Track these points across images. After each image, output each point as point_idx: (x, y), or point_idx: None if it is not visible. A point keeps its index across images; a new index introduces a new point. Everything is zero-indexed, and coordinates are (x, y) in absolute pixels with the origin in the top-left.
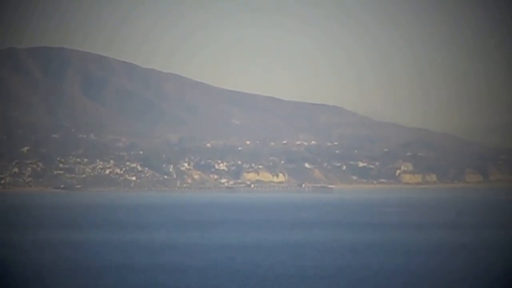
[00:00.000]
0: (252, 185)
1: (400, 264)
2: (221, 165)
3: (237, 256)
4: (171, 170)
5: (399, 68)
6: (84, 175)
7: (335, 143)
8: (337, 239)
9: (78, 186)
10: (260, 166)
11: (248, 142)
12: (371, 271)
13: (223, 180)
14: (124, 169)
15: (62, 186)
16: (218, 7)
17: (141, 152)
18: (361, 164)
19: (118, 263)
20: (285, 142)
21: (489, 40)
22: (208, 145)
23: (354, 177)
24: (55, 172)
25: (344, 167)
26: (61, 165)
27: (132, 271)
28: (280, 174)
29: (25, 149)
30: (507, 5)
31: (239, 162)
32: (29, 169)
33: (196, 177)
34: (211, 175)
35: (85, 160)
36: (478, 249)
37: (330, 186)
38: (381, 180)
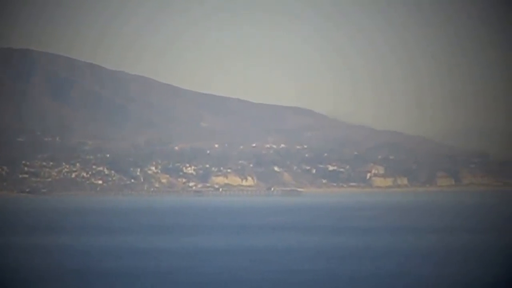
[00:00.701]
0: (221, 189)
1: (370, 269)
2: (189, 168)
3: (202, 260)
4: (138, 173)
5: (369, 71)
6: (50, 179)
7: (305, 146)
8: (305, 243)
9: (44, 190)
10: (228, 170)
11: (216, 145)
12: (340, 276)
13: (191, 184)
14: (90, 172)
15: (27, 190)
16: (185, 8)
17: (108, 156)
18: (331, 168)
19: (81, 267)
20: (254, 145)
21: (464, 43)
22: (176, 148)
23: (324, 181)
24: (20, 176)
25: (314, 171)
26: (26, 169)
27: (95, 276)
28: (249, 178)
29: None
30: (484, 10)
31: (207, 166)
32: None
33: (163, 180)
34: (179, 179)
35: (51, 163)
36: (450, 253)
37: (299, 189)
38: (352, 183)
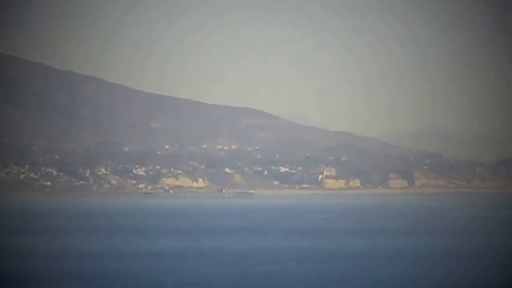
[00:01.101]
0: (171, 191)
1: (322, 270)
2: (139, 170)
3: (150, 263)
4: (87, 175)
5: (320, 71)
6: None
7: (256, 148)
8: (257, 246)
9: None
10: (179, 171)
11: (167, 147)
12: (291, 278)
13: (141, 186)
14: (39, 174)
15: None
16: (130, 7)
17: (57, 157)
18: (283, 169)
19: (27, 270)
20: (205, 146)
21: (416, 44)
22: (126, 149)
23: (276, 182)
24: None
25: (266, 172)
26: None
27: (35, 279)
28: (200, 179)
29: None
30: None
31: (158, 167)
32: None
33: (113, 182)
34: (129, 180)
35: None
36: (403, 255)
37: (251, 191)
38: (304, 185)
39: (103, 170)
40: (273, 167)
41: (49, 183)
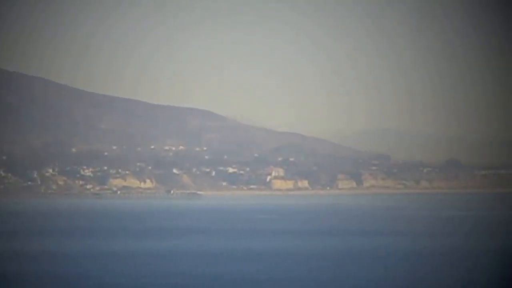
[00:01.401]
0: (119, 192)
1: (270, 271)
2: (87, 170)
3: (99, 264)
4: (35, 176)
5: (269, 71)
6: None
7: (204, 148)
8: (205, 246)
9: None
10: (127, 172)
11: (114, 147)
12: (241, 278)
13: (88, 186)
14: None
15: None
16: (82, 6)
17: (4, 158)
18: (231, 170)
19: None
20: (152, 147)
21: (362, 44)
22: (74, 150)
23: (224, 183)
24: None
25: (214, 173)
26: None
27: None
28: (148, 180)
29: None
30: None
31: (105, 168)
32: None
33: (61, 183)
34: (77, 181)
35: None
36: (351, 256)
37: (199, 192)
38: (252, 186)
39: (50, 171)
40: (221, 168)
41: None
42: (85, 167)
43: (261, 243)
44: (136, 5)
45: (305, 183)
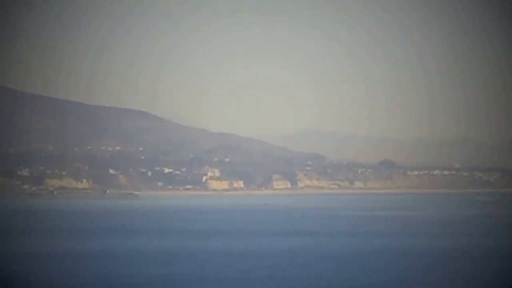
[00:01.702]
0: (55, 192)
1: (204, 271)
2: (24, 171)
3: (33, 264)
4: None
5: (204, 71)
6: None
7: (140, 149)
8: (137, 247)
9: None
10: (63, 172)
11: (51, 148)
12: (176, 279)
13: (25, 187)
14: None
15: None
16: (22, 6)
17: None
18: (167, 170)
19: None
20: (89, 147)
21: (296, 45)
22: (11, 150)
23: (160, 183)
24: None
25: (150, 173)
26: None
27: None
28: (84, 180)
29: None
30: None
31: (42, 168)
32: None
33: None
34: (13, 181)
35: None
36: (287, 256)
37: (135, 192)
38: (188, 186)
39: None
40: (157, 168)
41: None
42: (22, 167)
43: (195, 243)
44: (70, 4)
45: (240, 184)
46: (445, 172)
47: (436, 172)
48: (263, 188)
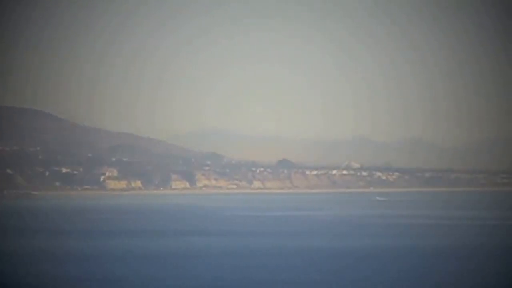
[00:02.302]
0: None
1: (99, 271)
2: None
3: None
4: None
5: (100, 71)
6: None
7: (38, 148)
8: (31, 247)
9: None
10: None
11: None
12: (90, 279)
13: None
14: None
15: None
16: None
17: None
18: (64, 170)
19: None
20: None
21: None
22: None
23: (58, 183)
24: None
25: (47, 173)
26: None
27: None
28: None
29: None
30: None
31: None
32: None
33: None
34: None
35: None
36: (169, 255)
37: (33, 192)
38: (86, 186)
39: None
40: (55, 168)
41: None
42: None
43: (86, 243)
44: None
45: (138, 183)
46: (344, 172)
47: (334, 172)
48: (162, 188)
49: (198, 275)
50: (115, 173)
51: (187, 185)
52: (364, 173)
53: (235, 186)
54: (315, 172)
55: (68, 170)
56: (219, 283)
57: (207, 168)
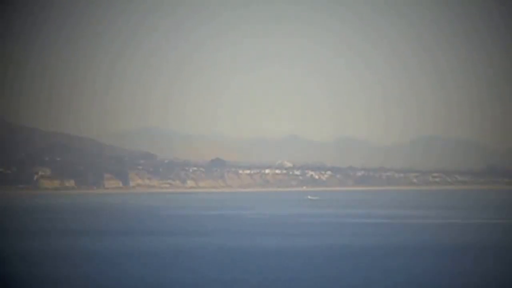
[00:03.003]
0: None
1: (45, 270)
2: None
3: None
4: None
5: (40, 71)
6: None
7: None
8: None
9: None
10: None
11: None
12: (20, 279)
13: None
14: None
15: None
16: None
17: None
18: None
19: None
20: None
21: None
22: None
23: None
24: None
25: None
26: None
27: None
28: None
29: None
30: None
31: None
32: None
33: None
34: None
35: None
36: (117, 256)
37: None
38: (19, 185)
39: None
40: None
41: None
42: None
43: (31, 242)
44: None
45: (71, 183)
46: (277, 171)
47: (267, 171)
48: (95, 187)
49: (133, 274)
50: (48, 172)
51: (120, 184)
52: (296, 172)
53: (168, 185)
54: (248, 171)
55: (1, 169)
56: (149, 281)
57: (140, 167)
